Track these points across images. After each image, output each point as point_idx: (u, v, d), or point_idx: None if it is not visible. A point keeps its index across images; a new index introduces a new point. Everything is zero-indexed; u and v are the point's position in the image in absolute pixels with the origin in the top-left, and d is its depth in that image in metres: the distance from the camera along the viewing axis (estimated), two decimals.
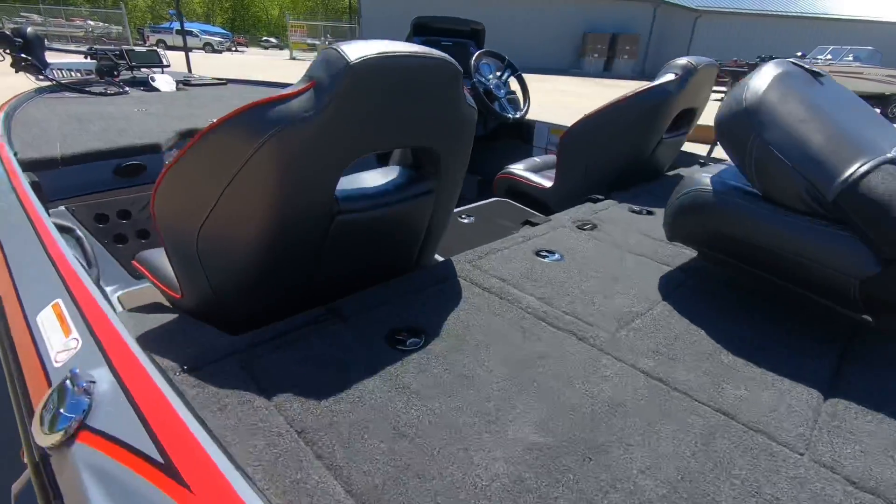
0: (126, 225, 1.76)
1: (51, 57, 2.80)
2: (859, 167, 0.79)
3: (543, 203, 1.94)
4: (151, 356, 0.62)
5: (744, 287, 1.08)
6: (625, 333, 0.89)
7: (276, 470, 0.56)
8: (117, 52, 3.27)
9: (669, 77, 1.63)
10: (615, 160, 1.76)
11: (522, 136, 2.72)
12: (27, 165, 1.47)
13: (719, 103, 0.97)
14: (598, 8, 21.61)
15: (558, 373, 0.77)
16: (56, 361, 0.63)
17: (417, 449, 0.61)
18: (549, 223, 1.40)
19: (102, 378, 0.58)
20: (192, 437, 0.50)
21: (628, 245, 1.28)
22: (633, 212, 1.53)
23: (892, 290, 0.82)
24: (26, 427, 0.63)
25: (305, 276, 0.91)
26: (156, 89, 3.15)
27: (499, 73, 2.41)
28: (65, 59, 3.20)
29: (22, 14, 19.34)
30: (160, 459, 0.48)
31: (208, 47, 23.20)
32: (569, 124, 2.67)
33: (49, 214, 0.99)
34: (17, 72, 2.58)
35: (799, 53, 13.48)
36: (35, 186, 1.26)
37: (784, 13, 21.89)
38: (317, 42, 24.15)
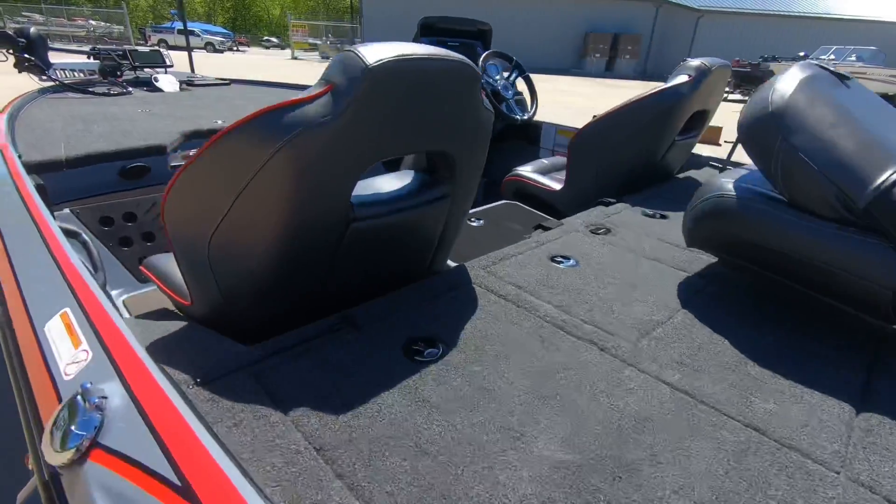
0: (131, 227, 1.74)
1: (54, 57, 2.78)
2: (893, 173, 0.76)
3: (552, 206, 1.91)
4: (163, 368, 0.60)
5: (765, 294, 1.05)
6: (646, 343, 0.87)
7: (296, 490, 0.54)
8: (120, 53, 3.25)
9: (683, 78, 1.61)
10: (627, 163, 1.74)
11: (529, 138, 2.70)
12: (32, 168, 1.45)
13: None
14: (600, 8, 21.58)
15: (581, 385, 0.75)
16: (66, 374, 0.61)
17: (441, 468, 0.59)
18: (562, 227, 1.37)
19: (114, 393, 0.55)
20: (209, 457, 0.48)
21: (643, 250, 1.26)
22: (647, 215, 1.51)
23: None
24: (35, 442, 0.61)
25: (318, 283, 0.89)
26: (159, 90, 3.14)
27: (506, 74, 2.39)
28: (68, 60, 3.18)
29: (24, 13, 19.34)
30: (176, 481, 0.46)
31: (210, 47, 23.20)
32: (570, 124, 2.65)
33: (54, 217, 0.97)
34: (20, 72, 2.56)
35: (801, 53, 13.46)
36: (40, 189, 1.24)
37: (786, 13, 21.85)
38: (318, 42, 24.14)
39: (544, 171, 2.11)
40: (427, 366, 0.77)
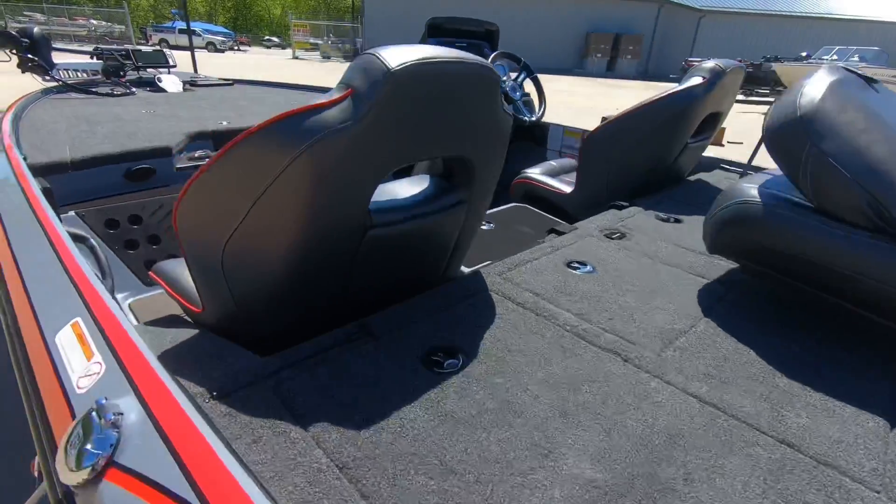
0: (137, 230, 1.72)
1: (56, 57, 2.77)
2: None
3: (563, 209, 1.89)
4: (178, 381, 0.58)
5: (787, 302, 1.03)
6: (671, 353, 0.85)
7: None
8: (123, 53, 3.24)
9: (696, 80, 1.58)
10: (638, 166, 1.71)
11: (536, 139, 2.67)
12: (37, 170, 1.43)
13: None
14: (602, 8, 21.55)
15: (607, 398, 0.73)
16: (78, 387, 0.59)
17: (469, 488, 0.57)
18: (576, 232, 1.35)
19: (129, 408, 0.53)
20: (230, 477, 0.46)
21: (660, 255, 1.24)
22: (661, 220, 1.49)
23: None
24: (47, 458, 0.59)
25: (333, 291, 0.87)
26: (162, 90, 3.12)
27: (514, 75, 2.37)
28: (71, 60, 3.16)
29: (25, 13, 19.33)
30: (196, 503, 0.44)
31: (211, 46, 23.20)
32: (570, 124, 2.63)
33: (60, 221, 0.95)
34: (23, 72, 2.55)
35: (804, 54, 13.43)
36: (46, 193, 1.22)
37: (788, 13, 21.81)
38: (319, 42, 24.13)
39: (553, 174, 2.08)
40: (448, 377, 0.75)
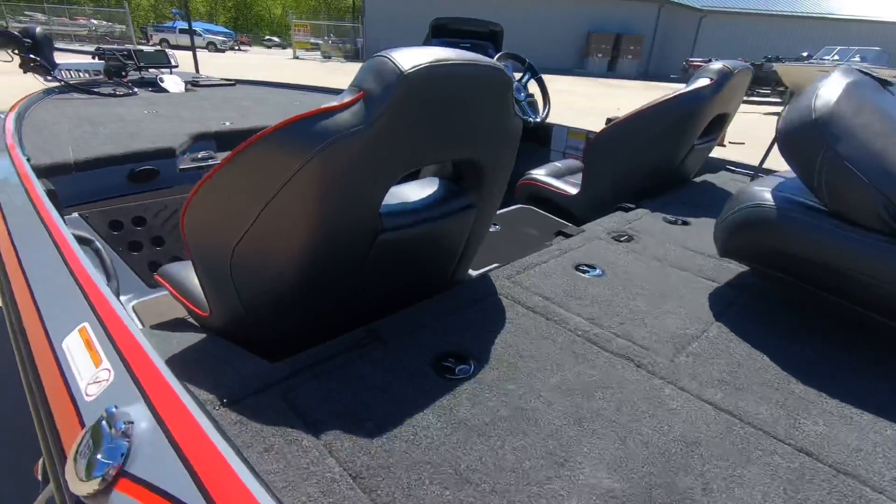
0: (140, 232, 1.71)
1: (58, 57, 2.76)
2: None
3: (568, 211, 1.88)
4: (187, 387, 0.57)
5: (799, 306, 1.02)
6: (684, 359, 0.84)
7: None
8: (125, 53, 3.23)
9: (704, 82, 1.57)
10: (645, 167, 1.70)
11: (540, 140, 2.66)
12: (41, 171, 1.42)
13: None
14: (602, 8, 21.54)
15: (621, 405, 0.72)
16: (87, 395, 0.58)
17: (485, 498, 0.56)
18: (584, 234, 1.34)
19: (140, 416, 0.52)
20: (243, 488, 0.45)
21: (669, 258, 1.23)
22: (668, 222, 1.48)
23: None
24: (55, 466, 0.58)
25: (342, 295, 0.86)
26: (164, 90, 3.11)
27: (518, 76, 2.36)
28: (73, 60, 3.15)
29: (26, 13, 19.33)
30: None
31: (212, 46, 23.20)
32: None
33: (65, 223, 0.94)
34: (25, 72, 2.54)
35: (805, 54, 13.41)
36: (51, 195, 1.21)
37: (789, 13, 21.79)
38: (320, 41, 24.12)
39: (558, 175, 2.07)
40: (460, 384, 0.74)
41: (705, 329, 0.93)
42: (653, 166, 1.70)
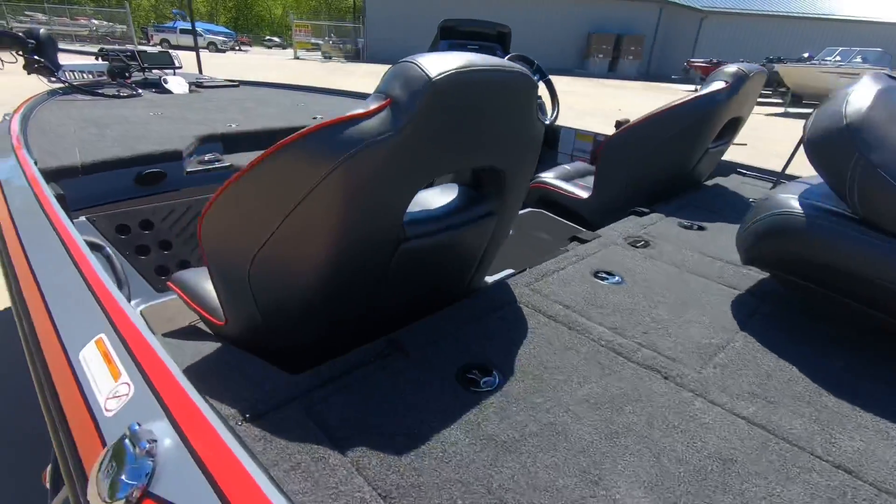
0: (148, 236, 1.69)
1: (62, 58, 2.74)
2: None
3: (579, 214, 1.86)
4: (208, 401, 0.55)
5: (825, 316, 1.00)
6: (711, 371, 0.82)
7: None
8: (129, 54, 3.21)
9: (719, 85, 1.56)
10: (658, 171, 1.68)
11: (548, 142, 2.65)
12: (48, 175, 1.41)
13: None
14: (603, 8, 21.55)
15: (652, 419, 0.70)
16: (106, 409, 0.56)
17: None
18: (599, 240, 1.32)
19: (163, 433, 0.50)
20: None
21: (687, 265, 1.21)
22: (684, 227, 1.46)
23: None
24: (74, 486, 0.56)
25: (362, 305, 0.84)
26: (168, 91, 3.09)
27: None
28: (76, 61, 3.14)
29: (26, 13, 19.31)
30: None
31: (212, 47, 23.18)
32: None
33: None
34: (29, 73, 2.52)
35: (806, 54, 13.41)
36: (60, 199, 1.20)
37: (790, 14, 21.79)
38: (320, 42, 24.11)
39: (567, 178, 2.06)
40: (486, 397, 0.72)
41: (730, 339, 0.91)
42: (666, 170, 1.69)
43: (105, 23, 20.98)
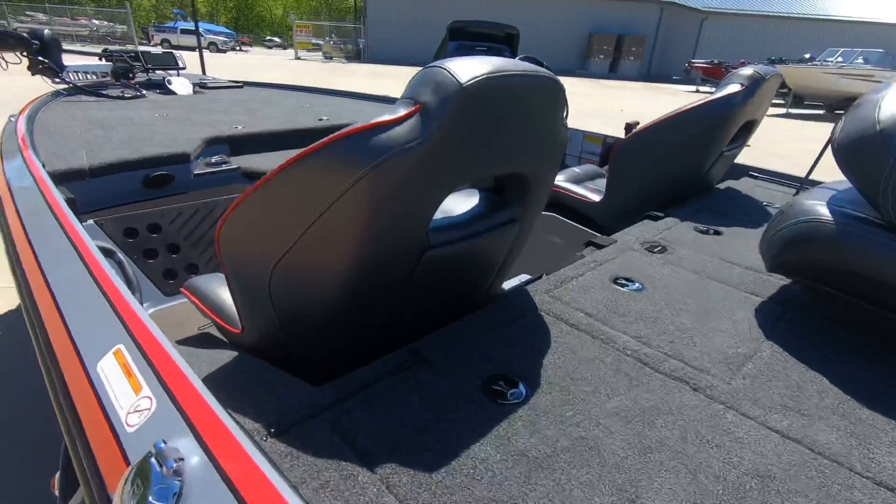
0: (156, 239, 1.68)
1: (65, 59, 2.72)
2: None
3: (590, 218, 1.85)
4: (232, 415, 0.53)
5: (852, 324, 0.98)
6: (740, 382, 0.80)
7: None
8: (133, 54, 3.19)
9: (735, 88, 1.54)
10: (672, 175, 1.67)
11: None
12: (57, 179, 1.39)
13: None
14: (604, 9, 21.56)
15: (685, 433, 0.68)
16: (128, 425, 0.54)
17: None
18: (616, 245, 1.31)
19: (189, 451, 0.48)
20: None
21: (707, 271, 1.19)
22: (700, 231, 1.44)
23: None
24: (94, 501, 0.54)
25: (382, 314, 0.82)
26: (172, 92, 3.08)
27: None
28: (79, 62, 3.12)
29: (27, 13, 19.28)
30: None
31: (213, 47, 23.15)
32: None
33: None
34: (33, 74, 2.50)
35: (807, 56, 13.39)
36: (70, 203, 1.18)
37: (791, 15, 21.79)
38: (321, 42, 24.10)
39: (577, 181, 2.04)
40: (514, 410, 0.70)
41: (757, 348, 0.89)
42: (680, 174, 1.67)
43: (105, 23, 20.96)
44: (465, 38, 2.46)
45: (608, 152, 2.41)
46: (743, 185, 1.97)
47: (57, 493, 1.12)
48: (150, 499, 0.46)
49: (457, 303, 0.97)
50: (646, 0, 21.41)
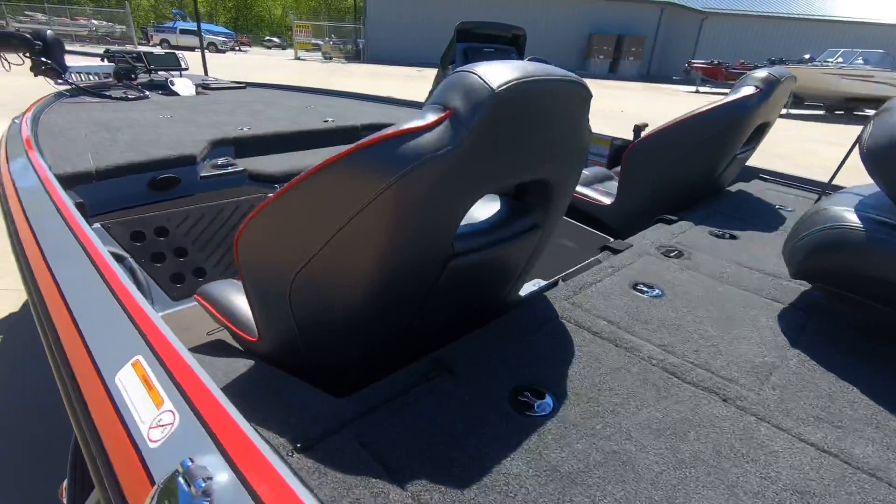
0: (163, 243, 1.66)
1: (67, 59, 2.70)
2: None
3: (602, 221, 1.83)
4: (257, 430, 0.51)
5: (879, 332, 0.96)
6: (770, 392, 0.78)
7: None
8: (135, 55, 3.17)
9: (749, 90, 1.52)
10: (685, 177, 1.65)
11: None
12: (64, 182, 1.36)
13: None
14: (604, 9, 21.56)
15: (718, 447, 0.66)
16: (151, 440, 0.52)
17: None
18: (632, 249, 1.29)
19: (217, 469, 0.47)
20: None
21: (725, 277, 1.17)
22: (715, 235, 1.42)
23: None
24: None
25: (404, 324, 0.81)
26: (175, 93, 3.05)
27: None
28: (81, 62, 3.10)
29: (26, 13, 19.23)
30: None
31: (212, 47, 23.09)
32: (599, 133, 2.56)
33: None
34: (36, 75, 2.48)
35: (807, 56, 13.41)
36: (80, 207, 1.16)
37: (791, 15, 21.81)
38: (321, 42, 24.07)
39: (587, 183, 2.02)
40: (543, 422, 0.68)
41: (783, 357, 0.88)
42: (693, 177, 1.65)
43: (105, 23, 20.92)
44: (473, 40, 2.45)
45: (617, 154, 2.39)
46: (754, 187, 1.95)
47: (65, 501, 1.10)
48: None
49: (477, 310, 0.95)
50: (646, 0, 21.42)
